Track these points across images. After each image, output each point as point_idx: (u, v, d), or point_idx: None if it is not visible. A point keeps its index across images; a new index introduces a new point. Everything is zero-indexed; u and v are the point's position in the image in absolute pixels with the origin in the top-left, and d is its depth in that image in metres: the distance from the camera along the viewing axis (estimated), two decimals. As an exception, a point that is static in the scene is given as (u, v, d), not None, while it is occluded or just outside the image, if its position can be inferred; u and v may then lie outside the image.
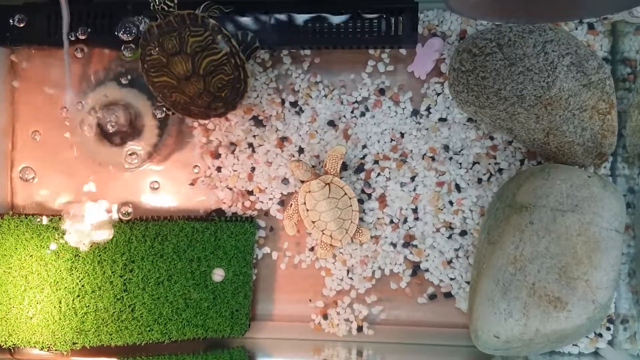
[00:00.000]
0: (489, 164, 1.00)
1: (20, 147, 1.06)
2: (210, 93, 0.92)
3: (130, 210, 0.99)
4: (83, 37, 0.96)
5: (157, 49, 0.89)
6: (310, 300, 1.03)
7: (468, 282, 1.00)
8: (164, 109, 0.98)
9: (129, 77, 1.00)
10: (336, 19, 0.95)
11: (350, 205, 0.98)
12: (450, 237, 1.01)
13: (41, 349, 0.99)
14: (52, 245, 0.98)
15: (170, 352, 0.99)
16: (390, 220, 1.02)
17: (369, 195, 1.02)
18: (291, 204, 1.00)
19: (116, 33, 0.95)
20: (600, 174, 0.97)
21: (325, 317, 1.03)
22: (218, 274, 0.99)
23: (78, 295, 0.98)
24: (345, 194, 0.98)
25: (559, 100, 0.88)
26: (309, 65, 1.03)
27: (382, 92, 1.02)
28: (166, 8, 0.89)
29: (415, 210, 1.01)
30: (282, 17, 0.95)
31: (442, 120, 1.01)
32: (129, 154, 0.99)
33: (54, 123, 1.04)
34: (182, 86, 0.91)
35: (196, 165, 1.04)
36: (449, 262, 1.01)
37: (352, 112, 1.02)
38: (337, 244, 0.99)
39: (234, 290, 0.99)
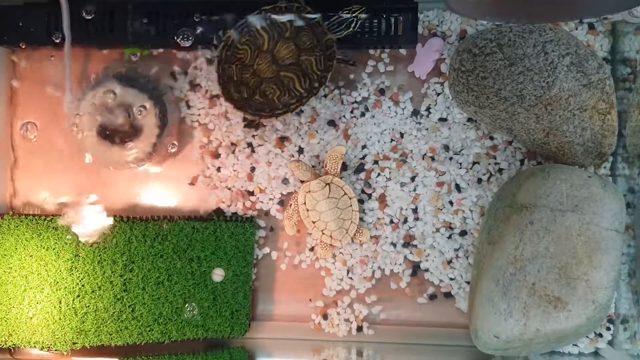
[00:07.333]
0: (489, 164, 1.00)
1: (20, 147, 1.06)
2: (276, 101, 0.94)
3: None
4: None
5: (291, 41, 0.92)
6: (310, 300, 1.03)
7: (468, 282, 1.00)
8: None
9: (129, 77, 1.00)
10: (336, 19, 0.95)
11: (350, 205, 0.98)
12: (450, 237, 1.01)
13: (41, 349, 0.99)
14: (52, 245, 0.98)
15: (170, 352, 0.99)
16: (390, 220, 1.02)
17: (369, 195, 1.02)
18: (291, 204, 1.00)
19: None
20: (600, 174, 0.97)
21: (325, 317, 1.03)
22: (218, 274, 0.99)
23: (78, 295, 0.98)
24: (345, 194, 0.98)
25: (559, 100, 0.88)
26: (309, 65, 1.03)
27: (382, 92, 1.02)
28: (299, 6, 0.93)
29: (415, 210, 1.01)
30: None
31: (442, 120, 1.01)
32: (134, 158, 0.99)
33: (54, 123, 1.04)
34: (267, 81, 0.93)
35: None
36: (449, 262, 1.01)
37: (352, 112, 1.02)
38: (337, 244, 0.99)
39: (234, 290, 0.99)
